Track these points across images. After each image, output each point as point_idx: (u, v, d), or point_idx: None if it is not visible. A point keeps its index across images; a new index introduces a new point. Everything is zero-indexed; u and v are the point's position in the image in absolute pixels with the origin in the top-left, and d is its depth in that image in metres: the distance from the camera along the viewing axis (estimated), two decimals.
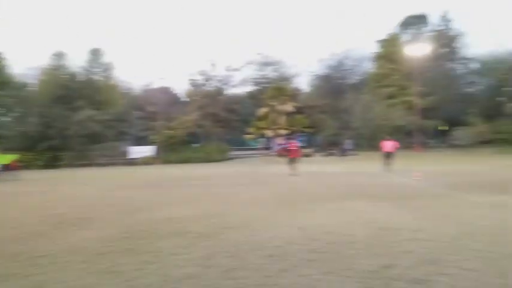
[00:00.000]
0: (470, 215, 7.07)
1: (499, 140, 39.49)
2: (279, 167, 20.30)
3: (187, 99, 46.72)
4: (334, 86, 53.52)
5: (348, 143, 41.18)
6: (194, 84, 44.11)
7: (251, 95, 49.76)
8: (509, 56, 47.46)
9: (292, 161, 18.75)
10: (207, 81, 43.67)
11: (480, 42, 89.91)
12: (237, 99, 46.04)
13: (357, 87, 50.92)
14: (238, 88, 48.94)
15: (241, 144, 46.48)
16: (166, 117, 41.38)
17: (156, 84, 49.39)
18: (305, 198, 10.20)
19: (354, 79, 55.94)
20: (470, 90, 55.24)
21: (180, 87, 52.20)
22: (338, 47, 55.81)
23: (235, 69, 44.45)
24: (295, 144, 19.66)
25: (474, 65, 53.40)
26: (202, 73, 43.46)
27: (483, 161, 24.50)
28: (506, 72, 41.20)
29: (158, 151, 39.41)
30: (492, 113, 43.89)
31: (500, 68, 43.66)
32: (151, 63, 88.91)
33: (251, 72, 50.10)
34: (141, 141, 42.22)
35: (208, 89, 43.68)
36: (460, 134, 40.91)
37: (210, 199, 10.77)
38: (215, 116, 41.98)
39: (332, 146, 40.74)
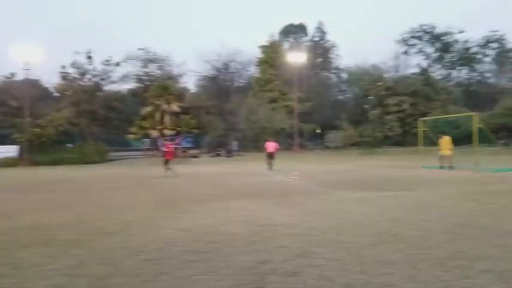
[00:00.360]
0: (338, 210, 7.82)
1: (364, 143, 44.65)
2: (172, 168, 19.80)
3: (59, 94, 42.51)
4: (220, 87, 54.40)
5: (234, 144, 42.17)
6: (66, 77, 40.14)
7: (134, 93, 47.58)
8: (371, 69, 54.01)
9: (167, 162, 18.47)
10: (82, 75, 40.15)
11: (350, 55, 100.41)
12: (117, 97, 43.42)
13: (243, 90, 52.58)
14: (119, 84, 46.45)
15: (124, 145, 44.18)
16: (33, 113, 37.01)
17: (21, 75, 43.95)
18: (189, 199, 10.15)
19: (239, 82, 57.58)
20: (341, 97, 61.42)
21: (52, 80, 47.23)
22: (224, 49, 56.60)
23: (115, 64, 41.87)
24: (171, 145, 19.45)
25: (344, 75, 59.50)
26: (76, 66, 39.80)
27: (351, 161, 27.34)
28: (370, 83, 46.67)
29: (22, 151, 34.97)
30: (359, 119, 49.43)
31: (365, 79, 49.33)
32: (15, 51, 78.68)
33: (133, 68, 47.99)
34: (1, 140, 37.04)
35: (84, 84, 40.17)
36: (332, 136, 45.10)
37: (86, 203, 10.01)
38: (92, 113, 38.97)
39: (219, 147, 41.27)
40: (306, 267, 4.38)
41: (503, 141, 33.09)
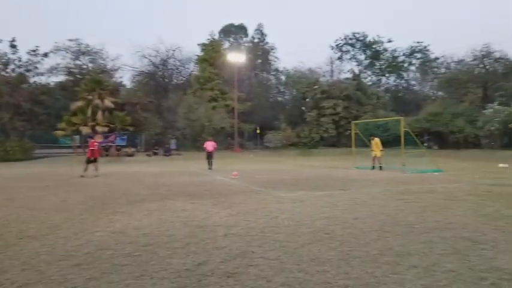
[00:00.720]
0: (276, 210, 7.93)
1: (301, 143, 45.97)
2: (93, 168, 18.80)
3: None
4: (158, 84, 53.03)
5: (172, 143, 41.29)
6: None
7: (63, 86, 44.72)
8: (308, 73, 55.83)
9: (90, 161, 17.56)
10: (4, 65, 36.89)
11: (288, 58, 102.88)
12: (44, 90, 40.47)
13: (182, 87, 51.68)
14: (47, 77, 43.45)
15: (52, 142, 41.39)
16: None
17: None
18: (123, 200, 9.74)
19: (178, 79, 56.53)
20: (280, 99, 62.72)
21: None
22: (163, 45, 55.15)
23: (43, 55, 39.06)
24: (96, 143, 18.55)
25: (283, 78, 60.86)
26: None
27: (289, 161, 27.98)
28: (307, 86, 48.14)
29: None
30: (296, 120, 50.78)
31: (302, 82, 50.80)
32: None
33: (63, 60, 45.15)
34: None
35: (6, 75, 36.94)
36: (271, 137, 45.85)
37: (7, 205, 9.22)
38: (16, 107, 35.94)
39: (156, 146, 40.16)
40: (245, 267, 4.38)
41: (426, 144, 35.77)
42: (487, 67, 43.99)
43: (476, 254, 4.66)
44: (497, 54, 42.41)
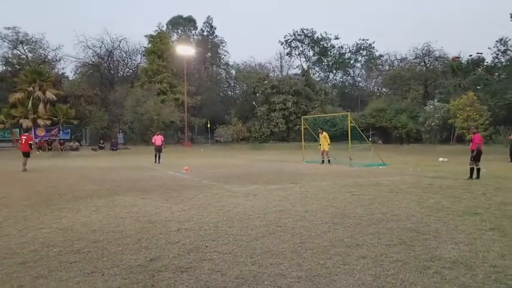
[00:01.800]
0: (229, 204, 7.96)
1: (252, 138, 46.27)
2: (39, 162, 17.88)
3: None
4: (104, 76, 50.93)
5: (119, 137, 39.94)
6: None
7: (1, 77, 41.80)
8: (258, 68, 56.24)
9: (25, 155, 16.86)
10: None
11: (238, 52, 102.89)
12: None
13: (129, 79, 50.01)
14: None
15: None
16: None
17: None
18: (69, 195, 9.33)
19: (125, 71, 54.63)
20: (230, 93, 62.61)
21: None
22: (108, 36, 52.97)
23: None
24: (27, 137, 17.79)
25: (233, 72, 60.76)
26: None
27: (240, 155, 28.07)
28: (257, 81, 48.43)
29: None
30: (247, 115, 50.99)
31: (252, 77, 51.04)
32: None
33: (0, 49, 42.17)
34: None
35: None
36: (222, 131, 45.69)
37: None
38: None
39: (102, 140, 38.64)
40: (199, 261, 4.37)
41: (371, 139, 37.35)
42: (428, 65, 46.59)
43: (420, 244, 4.94)
44: (437, 53, 45.06)
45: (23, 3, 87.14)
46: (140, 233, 5.63)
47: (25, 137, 17.49)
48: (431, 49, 44.82)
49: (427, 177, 12.45)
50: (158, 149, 20.96)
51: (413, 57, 46.93)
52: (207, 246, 4.94)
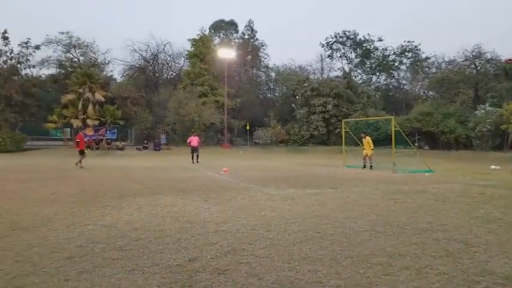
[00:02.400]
0: (266, 207, 7.92)
1: (291, 141, 46.02)
2: (87, 160, 18.70)
3: None
4: (149, 78, 52.57)
5: (162, 138, 41.06)
6: None
7: (54, 79, 44.17)
8: (298, 70, 55.90)
9: (80, 153, 18.23)
10: None
11: (278, 55, 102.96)
12: (36, 82, 39.92)
13: (172, 82, 51.30)
14: (39, 69, 42.86)
15: (43, 134, 40.95)
16: None
17: None
18: (114, 193, 9.66)
19: (168, 74, 56.10)
20: (269, 95, 62.67)
21: None
22: (153, 40, 54.50)
23: (35, 47, 38.51)
24: (81, 136, 18.98)
25: (273, 74, 60.80)
26: None
27: (278, 158, 28.01)
28: (297, 83, 48.13)
29: None
30: (286, 117, 50.81)
31: (292, 79, 50.77)
32: None
33: (54, 53, 44.50)
34: None
35: None
36: (261, 133, 45.77)
37: None
38: (7, 99, 35.45)
39: (146, 140, 39.90)
40: (236, 264, 4.36)
41: (417, 144, 36.03)
42: (479, 68, 44.40)
43: (469, 257, 4.66)
44: (488, 55, 42.82)
45: (76, 9, 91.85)
46: (180, 233, 5.71)
47: (81, 137, 18.81)
48: (482, 51, 42.62)
49: (477, 185, 11.82)
50: (194, 149, 21.70)
51: (463, 59, 44.81)
52: (244, 249, 4.92)
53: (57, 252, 4.75)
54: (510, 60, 38.82)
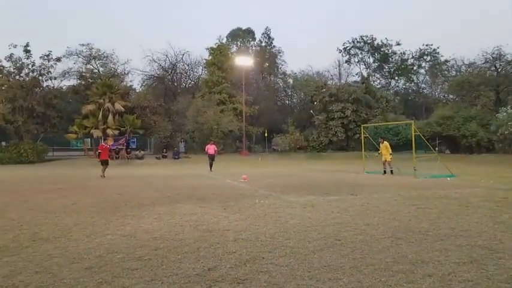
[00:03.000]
0: (286, 214, 7.86)
1: (310, 147, 45.76)
2: (107, 170, 19.02)
3: None
4: (167, 88, 53.24)
5: (181, 146, 41.41)
6: (1, 72, 37.08)
7: (75, 90, 45.18)
8: (316, 76, 55.71)
9: (103, 163, 18.58)
10: (19, 69, 37.36)
11: (295, 61, 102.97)
12: (57, 93, 40.90)
13: (190, 91, 51.84)
14: (59, 81, 43.89)
15: (64, 144, 41.83)
16: None
17: None
18: (133, 203, 9.76)
19: (187, 83, 56.72)
20: (287, 102, 62.65)
21: None
22: (172, 49, 55.33)
23: (56, 59, 39.52)
24: (104, 146, 19.31)
25: (290, 81, 60.80)
26: (12, 59, 37.00)
27: (297, 164, 27.87)
28: (315, 89, 47.95)
29: None
30: (304, 123, 50.61)
31: (310, 85, 50.64)
32: None
33: (75, 64, 45.52)
34: None
35: (20, 79, 37.49)
36: (279, 140, 45.67)
37: (20, 206, 9.32)
38: (30, 110, 36.44)
39: (165, 149, 40.33)
40: (255, 273, 4.32)
41: (438, 149, 35.33)
42: (499, 70, 43.41)
43: (493, 263, 4.52)
44: (509, 57, 41.84)
45: (95, 21, 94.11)
46: (199, 242, 5.72)
47: (105, 147, 19.19)
48: (502, 53, 41.70)
49: (501, 190, 11.49)
50: (212, 157, 22.19)
51: (483, 61, 43.91)
52: (263, 258, 4.89)
53: (76, 262, 4.80)
54: None
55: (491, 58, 42.58)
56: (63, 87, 46.11)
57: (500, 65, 43.11)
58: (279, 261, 4.76)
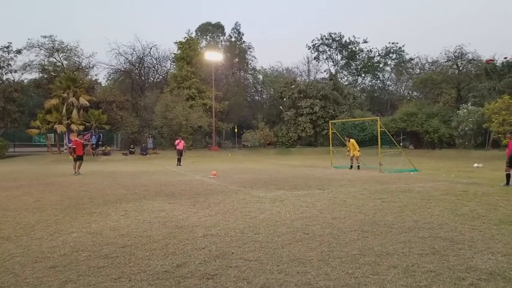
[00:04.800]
0: (255, 209, 7.91)
1: (279, 143, 46.13)
2: (71, 166, 18.44)
3: None
4: (135, 82, 52.07)
5: (149, 142, 40.69)
6: None
7: (37, 84, 43.44)
8: (285, 73, 56.13)
9: (78, 159, 17.70)
10: None
11: (265, 57, 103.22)
12: (18, 87, 39.20)
13: (159, 85, 50.93)
14: (20, 74, 42.12)
15: (26, 140, 40.19)
16: None
17: None
18: (99, 200, 9.53)
19: (155, 77, 55.68)
20: (257, 98, 62.76)
21: None
22: (139, 43, 53.96)
23: (16, 51, 37.86)
24: (79, 141, 18.54)
25: (260, 77, 60.90)
26: None
27: (267, 160, 28.02)
28: (284, 86, 48.31)
29: None
30: (274, 119, 50.92)
31: (279, 81, 50.96)
32: None
33: (37, 57, 43.74)
34: None
35: None
36: (249, 136, 45.76)
37: None
38: None
39: (132, 144, 39.51)
40: (225, 268, 4.33)
41: (402, 144, 36.43)
42: (461, 68, 45.16)
43: (454, 254, 4.73)
44: (470, 56, 43.58)
45: (59, 12, 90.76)
46: (167, 238, 5.66)
47: (79, 142, 18.39)
48: (464, 52, 43.40)
49: (461, 183, 12.01)
50: (180, 153, 22.90)
51: (445, 60, 45.57)
52: (233, 253, 4.90)
53: (40, 261, 4.66)
54: (491, 60, 39.57)
55: (453, 57, 44.23)
56: (25, 81, 44.33)
57: (461, 63, 44.84)
58: (249, 256, 4.79)
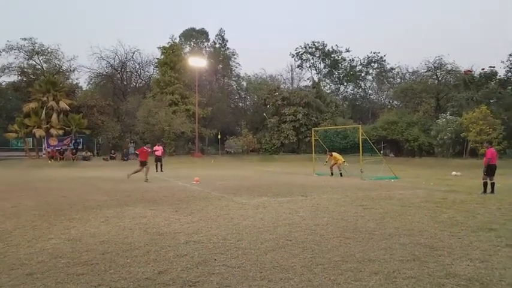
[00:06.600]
0: (238, 216, 7.88)
1: (262, 149, 46.22)
2: (50, 171, 18.06)
3: None
4: (116, 87, 51.47)
5: (130, 147, 40.20)
6: None
7: (15, 87, 42.50)
8: (270, 80, 56.42)
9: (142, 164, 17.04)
10: None
11: (249, 64, 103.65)
12: None
13: (141, 90, 50.46)
14: None
15: (3, 144, 39.21)
16: None
17: None
18: (79, 206, 9.35)
19: (138, 82, 55.17)
20: (241, 105, 62.82)
21: None
22: (121, 48, 53.40)
23: None
24: (144, 149, 18.11)
25: (244, 84, 61.05)
26: None
27: (250, 166, 27.99)
28: (268, 93, 48.56)
29: None
30: (257, 126, 51.03)
31: (263, 88, 51.19)
32: None
33: (16, 59, 42.85)
34: None
35: None
36: (232, 142, 45.69)
37: None
38: None
39: (113, 150, 38.95)
40: (207, 275, 4.30)
41: (383, 152, 36.94)
42: (440, 78, 46.22)
43: (434, 260, 4.82)
44: (449, 67, 44.67)
45: (39, 14, 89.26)
46: (149, 245, 5.59)
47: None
48: (443, 62, 44.47)
49: (440, 191, 12.23)
50: (158, 159, 22.42)
51: (425, 70, 46.59)
52: (215, 260, 4.87)
53: (16, 268, 4.54)
54: (469, 71, 40.63)
55: (433, 67, 45.24)
56: (3, 84, 43.35)
57: (440, 73, 45.90)
58: (231, 262, 4.77)
